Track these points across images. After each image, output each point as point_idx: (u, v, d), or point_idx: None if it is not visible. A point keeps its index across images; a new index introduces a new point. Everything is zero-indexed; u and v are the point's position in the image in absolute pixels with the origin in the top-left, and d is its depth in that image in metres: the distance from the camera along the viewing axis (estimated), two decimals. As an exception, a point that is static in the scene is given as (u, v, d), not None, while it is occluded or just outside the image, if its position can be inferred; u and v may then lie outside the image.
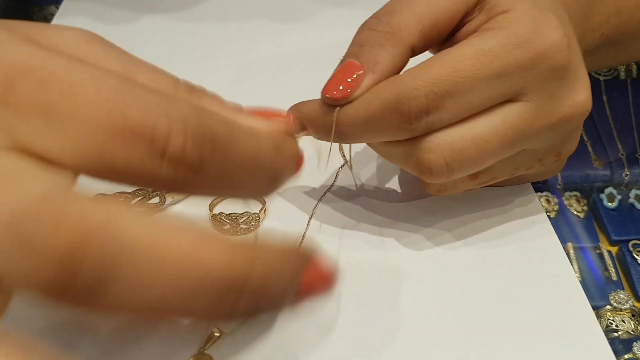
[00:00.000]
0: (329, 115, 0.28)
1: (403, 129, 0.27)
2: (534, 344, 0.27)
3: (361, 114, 0.28)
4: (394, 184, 0.36)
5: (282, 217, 0.34)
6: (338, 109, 0.28)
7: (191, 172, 0.19)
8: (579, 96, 0.29)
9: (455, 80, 0.27)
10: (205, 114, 0.19)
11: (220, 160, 0.19)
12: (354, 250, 0.32)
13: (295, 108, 0.30)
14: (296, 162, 0.23)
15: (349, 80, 0.28)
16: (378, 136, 0.29)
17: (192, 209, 0.34)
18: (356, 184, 0.36)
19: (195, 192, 0.20)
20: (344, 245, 0.32)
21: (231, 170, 0.20)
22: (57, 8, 0.54)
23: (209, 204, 0.34)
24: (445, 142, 0.28)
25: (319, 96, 0.29)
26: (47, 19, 0.57)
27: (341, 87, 0.28)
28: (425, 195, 0.35)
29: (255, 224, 0.33)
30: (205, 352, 0.26)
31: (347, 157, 0.35)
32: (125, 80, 0.19)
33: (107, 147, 0.18)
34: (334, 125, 0.28)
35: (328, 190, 0.35)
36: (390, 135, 0.28)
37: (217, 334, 0.26)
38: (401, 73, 0.28)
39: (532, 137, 0.29)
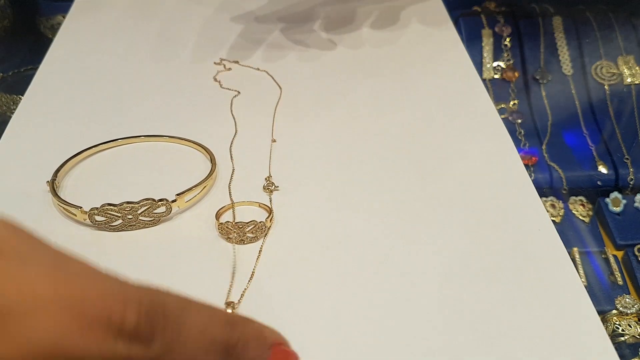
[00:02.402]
0: None
1: None
2: (539, 349, 0.27)
3: None
4: (402, 187, 0.36)
5: (289, 224, 0.34)
6: None
7: (144, 346, 0.20)
8: None
9: None
10: (158, 291, 0.21)
11: (172, 332, 0.21)
12: (362, 252, 0.32)
13: None
14: (271, 344, 0.23)
15: None
16: None
17: (199, 218, 0.34)
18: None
19: None
20: (350, 245, 0.32)
21: (183, 342, 0.21)
22: (64, 17, 0.55)
23: (215, 212, 0.34)
24: None
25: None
26: (54, 28, 0.58)
27: None
28: (432, 206, 0.35)
29: (261, 233, 0.33)
30: None
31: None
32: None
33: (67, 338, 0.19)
34: None
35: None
36: None
37: None
38: None
39: None
